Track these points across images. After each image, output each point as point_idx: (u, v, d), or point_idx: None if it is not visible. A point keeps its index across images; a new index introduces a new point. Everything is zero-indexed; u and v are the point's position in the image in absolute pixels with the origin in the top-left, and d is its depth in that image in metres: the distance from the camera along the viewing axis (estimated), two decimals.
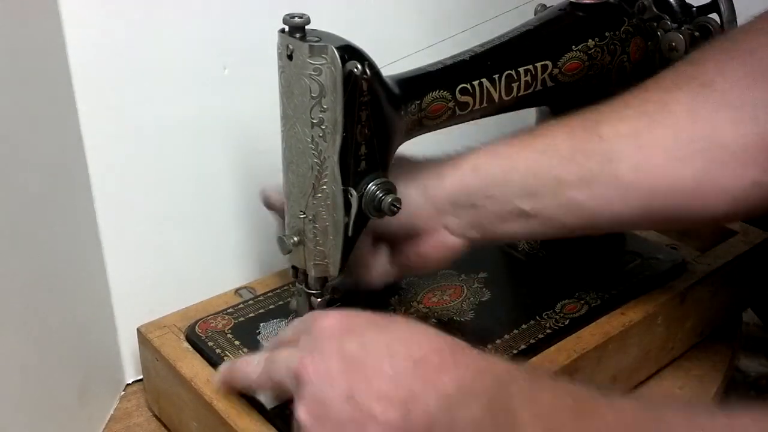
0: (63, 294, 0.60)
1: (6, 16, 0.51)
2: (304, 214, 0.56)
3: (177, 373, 0.61)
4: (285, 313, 0.65)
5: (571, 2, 0.68)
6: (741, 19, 0.69)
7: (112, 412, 0.68)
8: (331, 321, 0.51)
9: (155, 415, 0.68)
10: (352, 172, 0.54)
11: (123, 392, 0.71)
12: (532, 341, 0.64)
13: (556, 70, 0.64)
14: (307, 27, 0.52)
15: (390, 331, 0.50)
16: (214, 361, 0.61)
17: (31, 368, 0.56)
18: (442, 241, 0.61)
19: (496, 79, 0.61)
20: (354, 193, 0.54)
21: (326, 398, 0.47)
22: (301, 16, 0.51)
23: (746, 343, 0.99)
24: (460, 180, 0.60)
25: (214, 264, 0.73)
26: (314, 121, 0.53)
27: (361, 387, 0.47)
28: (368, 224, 0.57)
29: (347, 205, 0.55)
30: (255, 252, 0.75)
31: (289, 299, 0.65)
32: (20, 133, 0.53)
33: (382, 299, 0.69)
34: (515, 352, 0.63)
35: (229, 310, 0.67)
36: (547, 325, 0.66)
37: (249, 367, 0.55)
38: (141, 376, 0.70)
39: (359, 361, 0.48)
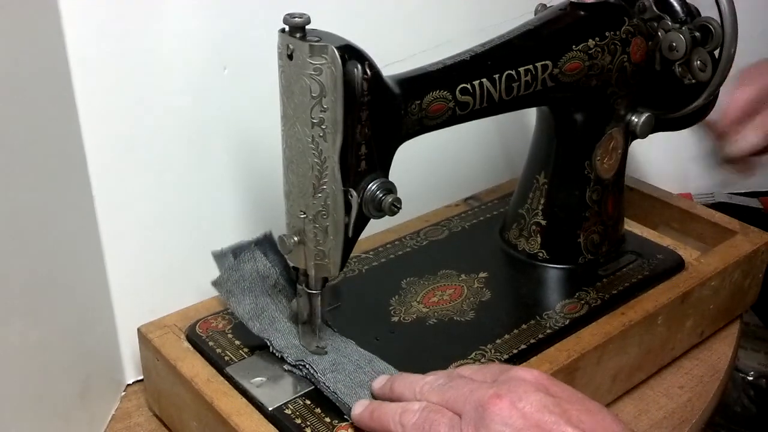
0: (63, 294, 0.60)
1: (6, 15, 0.51)
2: (305, 213, 0.56)
3: (177, 373, 0.61)
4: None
5: (571, 2, 0.68)
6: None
7: (113, 412, 0.68)
8: (533, 376, 0.50)
9: (156, 415, 0.68)
10: (353, 172, 0.55)
11: (123, 392, 0.71)
12: (532, 341, 0.64)
13: (556, 70, 0.64)
14: (307, 27, 0.52)
15: (587, 407, 0.49)
16: (214, 361, 0.62)
17: (33, 369, 0.56)
18: None
19: (497, 79, 0.61)
20: (354, 194, 0.54)
21: None
22: (301, 16, 0.51)
23: (746, 343, 0.99)
24: None
25: (215, 264, 0.73)
26: (314, 120, 0.53)
27: None
28: None
29: (347, 206, 0.55)
30: None
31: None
32: (20, 133, 0.53)
33: (382, 299, 0.69)
34: (515, 351, 0.63)
35: (229, 310, 0.67)
36: (548, 325, 0.66)
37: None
38: (141, 377, 0.70)
39: (552, 423, 0.47)
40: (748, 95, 0.78)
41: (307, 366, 0.59)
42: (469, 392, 0.49)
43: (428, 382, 0.53)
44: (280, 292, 0.64)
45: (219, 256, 0.64)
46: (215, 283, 0.63)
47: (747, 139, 0.79)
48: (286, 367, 0.60)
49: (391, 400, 0.54)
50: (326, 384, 0.58)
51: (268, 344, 0.61)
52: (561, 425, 0.46)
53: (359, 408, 0.54)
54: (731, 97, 0.78)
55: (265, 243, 0.64)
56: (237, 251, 0.64)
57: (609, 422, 0.48)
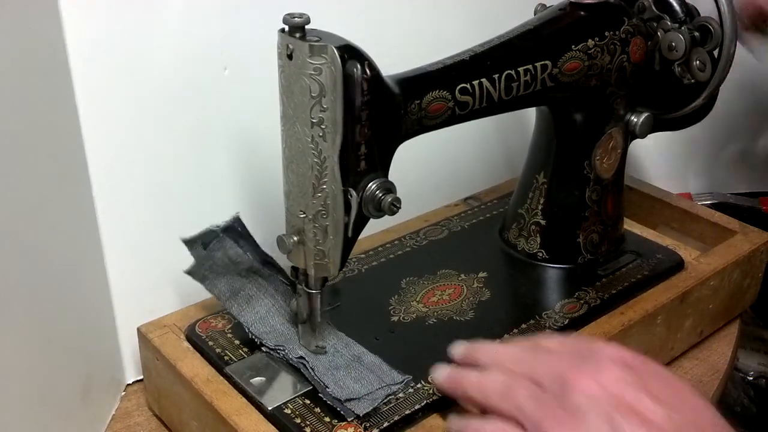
0: (64, 295, 0.60)
1: (6, 16, 0.51)
2: (304, 213, 0.56)
3: (177, 372, 0.61)
4: None
5: (571, 2, 0.68)
6: None
7: (113, 412, 0.69)
8: (616, 352, 0.50)
9: (156, 415, 0.68)
10: (352, 171, 0.55)
11: (123, 392, 0.71)
12: None
13: (555, 70, 0.64)
14: (307, 27, 0.52)
15: (671, 384, 0.49)
16: (214, 361, 0.62)
17: (35, 370, 0.56)
18: None
19: (496, 78, 0.61)
20: (354, 194, 0.55)
21: (587, 414, 0.46)
22: (300, 16, 0.51)
23: (745, 343, 0.99)
24: None
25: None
26: (314, 120, 0.53)
27: (625, 419, 0.46)
28: None
29: (347, 206, 0.55)
30: None
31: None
32: (20, 133, 0.53)
33: (382, 299, 0.69)
34: None
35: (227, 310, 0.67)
36: (547, 324, 0.66)
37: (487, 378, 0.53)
38: (141, 376, 0.70)
39: (632, 398, 0.46)
40: None
41: (286, 350, 0.61)
42: (551, 365, 0.50)
43: (510, 352, 0.53)
44: (255, 273, 0.64)
45: (189, 243, 0.63)
46: (189, 272, 0.63)
47: None
48: (264, 349, 0.62)
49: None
50: (307, 364, 0.59)
51: (247, 331, 0.62)
52: (642, 398, 0.46)
53: (440, 372, 0.55)
54: None
55: (234, 229, 0.63)
56: (206, 241, 0.63)
57: (691, 397, 0.47)
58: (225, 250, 0.63)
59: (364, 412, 0.56)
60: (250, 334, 0.62)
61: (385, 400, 0.57)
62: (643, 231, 0.82)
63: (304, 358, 0.60)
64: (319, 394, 0.58)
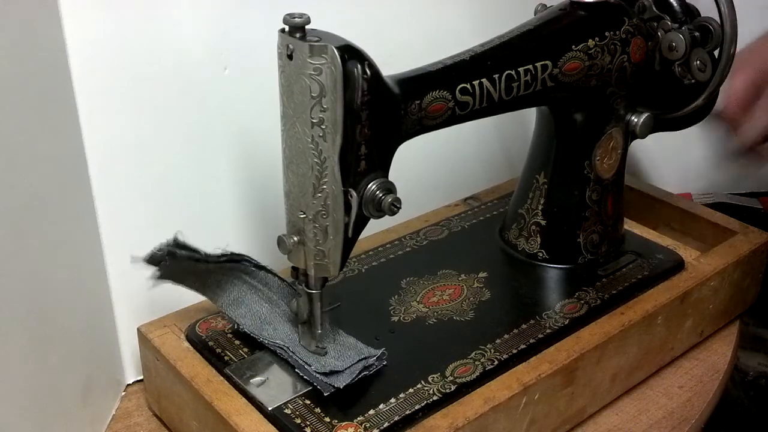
0: (64, 295, 0.60)
1: (6, 16, 0.51)
2: (304, 213, 0.56)
3: (177, 372, 0.61)
4: None
5: (571, 2, 0.68)
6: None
7: (113, 412, 0.69)
8: None
9: (156, 415, 0.68)
10: (352, 172, 0.55)
11: (123, 392, 0.71)
12: (532, 341, 0.64)
13: (556, 70, 0.64)
14: (307, 27, 0.52)
15: None
16: (214, 361, 0.62)
17: (35, 370, 0.56)
18: None
19: (496, 79, 0.61)
20: (354, 194, 0.55)
21: None
22: (301, 16, 0.51)
23: (745, 343, 0.99)
24: None
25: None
26: (314, 120, 0.53)
27: None
28: None
29: (347, 206, 0.55)
30: (254, 252, 0.75)
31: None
32: (20, 133, 0.53)
33: (382, 299, 0.69)
34: (515, 351, 0.63)
35: None
36: (547, 324, 0.66)
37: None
38: (141, 377, 0.70)
39: None
40: (748, 77, 0.76)
41: (263, 337, 0.62)
42: None
43: None
44: (216, 265, 0.62)
45: (144, 262, 0.60)
46: (154, 278, 0.60)
47: (759, 121, 0.74)
48: (242, 329, 0.63)
49: None
50: (287, 349, 0.60)
51: (226, 315, 0.63)
52: None
53: None
54: (731, 83, 0.75)
55: (174, 254, 0.59)
56: (154, 262, 0.59)
57: None
58: (179, 262, 0.60)
59: (344, 384, 0.57)
60: (227, 317, 0.63)
61: (360, 375, 0.59)
62: (643, 231, 0.82)
63: (282, 342, 0.61)
64: (296, 371, 0.59)
